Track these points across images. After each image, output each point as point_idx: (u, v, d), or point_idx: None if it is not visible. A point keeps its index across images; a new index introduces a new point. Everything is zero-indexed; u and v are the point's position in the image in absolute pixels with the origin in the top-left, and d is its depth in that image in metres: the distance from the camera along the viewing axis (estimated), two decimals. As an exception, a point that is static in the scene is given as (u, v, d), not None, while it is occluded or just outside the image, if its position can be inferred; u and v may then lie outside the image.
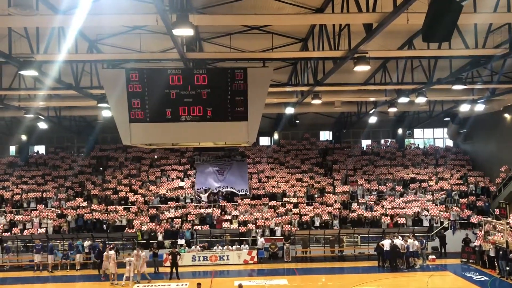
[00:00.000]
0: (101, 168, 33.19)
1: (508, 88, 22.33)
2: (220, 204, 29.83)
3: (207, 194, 30.33)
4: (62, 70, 17.73)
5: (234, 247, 26.35)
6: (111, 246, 23.65)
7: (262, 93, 12.49)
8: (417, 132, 36.57)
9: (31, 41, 13.91)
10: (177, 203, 29.80)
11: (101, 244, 24.52)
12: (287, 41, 17.54)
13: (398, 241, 24.09)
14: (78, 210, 28.85)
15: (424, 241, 25.70)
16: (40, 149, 35.82)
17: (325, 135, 37.40)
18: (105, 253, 22.47)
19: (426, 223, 28.51)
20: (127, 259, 21.79)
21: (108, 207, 29.24)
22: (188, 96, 11.89)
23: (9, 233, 27.29)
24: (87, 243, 25.53)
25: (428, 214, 28.76)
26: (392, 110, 26.01)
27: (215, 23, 13.39)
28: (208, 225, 28.30)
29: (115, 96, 12.13)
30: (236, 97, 12.16)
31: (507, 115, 29.05)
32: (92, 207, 29.08)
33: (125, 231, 27.55)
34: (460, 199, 29.99)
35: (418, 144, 36.46)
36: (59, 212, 28.77)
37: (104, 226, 28.34)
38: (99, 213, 28.67)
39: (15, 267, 25.96)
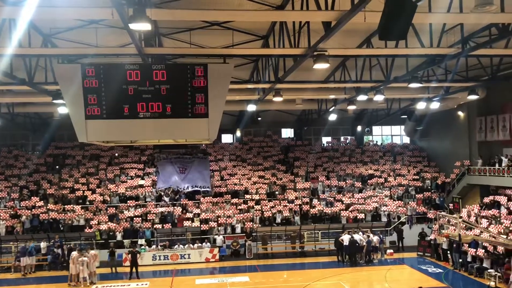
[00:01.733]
0: (57, 167, 32.15)
1: (462, 87, 23.16)
2: (182, 203, 29.52)
3: (169, 192, 29.93)
4: (14, 64, 17.04)
5: (196, 245, 26.17)
6: (70, 246, 23.01)
7: (223, 89, 12.40)
8: (376, 129, 37.43)
9: (-21, 34, 13.26)
10: (136, 202, 29.28)
11: (66, 246, 23.79)
12: (248, 38, 17.50)
13: (357, 236, 24.61)
14: (33, 210, 27.86)
15: (382, 236, 26.36)
16: (-8, 147, 34.32)
17: (287, 132, 37.68)
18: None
19: (384, 218, 29.24)
20: (80, 259, 21.20)
21: (65, 206, 28.39)
22: (147, 92, 11.65)
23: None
24: (44, 244, 24.71)
25: (386, 210, 29.49)
26: (351, 107, 26.49)
27: (174, 18, 13.17)
28: (169, 224, 27.96)
29: (71, 92, 11.75)
30: (196, 94, 12.02)
31: (460, 113, 30.15)
32: (48, 207, 28.15)
33: (85, 230, 26.81)
34: (417, 195, 30.92)
35: (377, 141, 37.30)
36: (12, 212, 27.68)
37: (61, 226, 27.50)
38: (56, 213, 27.79)
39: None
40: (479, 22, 14.74)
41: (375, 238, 25.14)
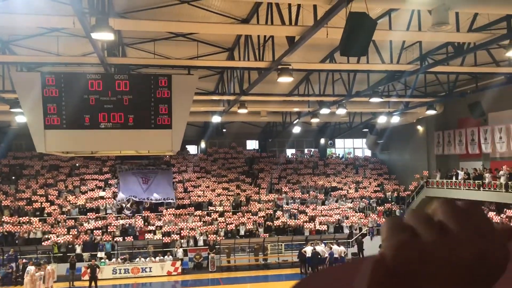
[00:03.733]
0: (13, 177, 31.01)
1: (420, 102, 23.96)
2: (143, 215, 28.99)
3: (129, 204, 29.35)
4: (-31, 71, 16.45)
5: (157, 258, 25.70)
6: (25, 261, 22.14)
7: (187, 101, 12.39)
8: (338, 142, 38.08)
9: None
10: (97, 214, 28.55)
11: (21, 261, 22.88)
12: (213, 50, 17.55)
13: (320, 248, 24.82)
14: (-14, 222, 26.71)
15: (343, 247, 26.69)
16: None
17: (252, 144, 37.79)
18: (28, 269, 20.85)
19: (346, 230, 29.64)
20: (37, 274, 20.42)
21: (21, 218, 27.36)
22: (109, 102, 11.52)
23: None
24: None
25: (349, 221, 29.92)
26: (315, 120, 26.93)
27: (138, 28, 13.09)
28: (131, 236, 27.38)
29: (29, 101, 11.48)
30: (160, 105, 11.96)
31: (419, 127, 31.12)
32: (3, 219, 27.05)
33: (44, 244, 25.89)
34: (378, 207, 31.55)
35: (339, 154, 37.91)
36: (-36, 225, 26.47)
37: (15, 239, 26.45)
38: (11, 225, 26.73)
39: None
40: (436, 40, 15.34)
41: (340, 249, 25.40)
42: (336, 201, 31.91)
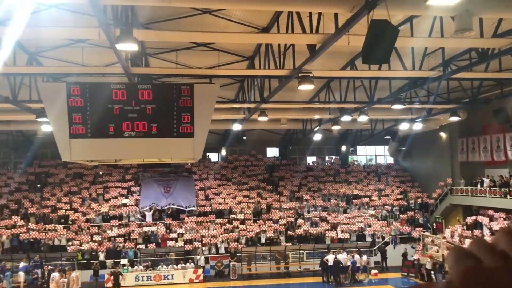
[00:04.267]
0: (39, 185, 31.67)
1: (443, 108, 23.63)
2: (165, 222, 29.22)
3: (151, 211, 29.62)
4: (-2, 82, 16.92)
5: (179, 265, 25.83)
6: (50, 267, 22.52)
7: (209, 109, 12.46)
8: (360, 149, 37.77)
9: (-37, 52, 13.16)
10: (120, 222, 28.90)
11: (47, 267, 23.26)
12: (234, 58, 17.69)
13: (341, 256, 24.57)
14: (13, 229, 27.29)
15: (367, 255, 26.38)
16: (-27, 165, 33.75)
17: (272, 152, 37.78)
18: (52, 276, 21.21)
19: (369, 238, 29.31)
20: (61, 280, 20.74)
21: (46, 226, 27.89)
22: (132, 111, 11.64)
23: None
24: (23, 264, 24.13)
25: (371, 229, 29.58)
26: (336, 128, 26.77)
27: (161, 39, 13.30)
28: (153, 244, 27.62)
29: (55, 111, 11.69)
30: (182, 113, 12.04)
31: (442, 134, 30.66)
32: (29, 226, 27.62)
33: (68, 250, 26.34)
34: (400, 215, 31.12)
35: (361, 161, 37.59)
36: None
37: (41, 246, 26.95)
38: (37, 233, 27.26)
39: None
40: (459, 46, 15.16)
41: (363, 258, 25.10)
42: (358, 209, 31.61)
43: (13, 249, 26.59)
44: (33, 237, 27.03)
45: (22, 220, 28.09)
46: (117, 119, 11.64)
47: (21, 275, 23.03)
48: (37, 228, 27.53)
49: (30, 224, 27.86)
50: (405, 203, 32.20)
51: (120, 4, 10.67)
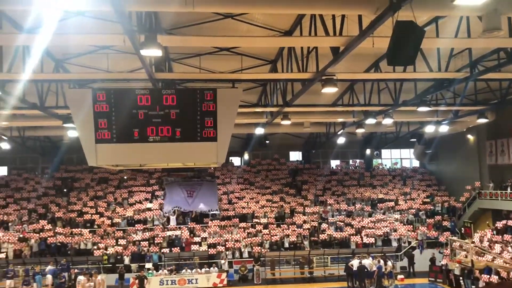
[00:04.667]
0: (65, 190, 32.26)
1: (470, 110, 23.10)
2: (189, 226, 29.36)
3: (175, 216, 29.82)
4: (26, 89, 17.28)
5: (203, 270, 25.90)
6: (77, 271, 22.86)
7: (232, 113, 12.46)
8: (385, 152, 37.25)
9: (-7, 60, 13.54)
10: (144, 226, 29.17)
11: (73, 271, 23.63)
12: (256, 62, 17.69)
13: (366, 261, 24.21)
14: (41, 233, 27.85)
15: (393, 261, 25.93)
16: (2, 170, 34.58)
17: (295, 156, 37.61)
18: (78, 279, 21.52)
19: (394, 243, 28.83)
20: (88, 284, 21.01)
21: (73, 230, 28.36)
22: (157, 116, 11.74)
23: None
24: (50, 268, 24.58)
25: (397, 234, 29.09)
26: (360, 131, 26.46)
27: (184, 44, 13.38)
28: (177, 248, 27.78)
29: (81, 116, 11.87)
30: (206, 118, 12.08)
31: (470, 136, 29.99)
32: (56, 230, 28.13)
33: (94, 254, 26.73)
34: (427, 219, 30.53)
35: (386, 165, 37.09)
36: (20, 235, 27.69)
37: (68, 250, 27.41)
38: (63, 237, 27.75)
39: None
40: (487, 46, 14.80)
41: (388, 263, 24.68)
42: (383, 213, 31.15)
43: (41, 253, 27.13)
44: (60, 241, 27.52)
45: (50, 224, 28.64)
46: (141, 124, 11.75)
47: (49, 278, 23.46)
48: (64, 232, 28.02)
49: (57, 228, 28.39)
50: (432, 207, 31.58)
51: (144, 10, 10.78)
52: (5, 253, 26.66)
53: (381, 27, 9.70)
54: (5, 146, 28.05)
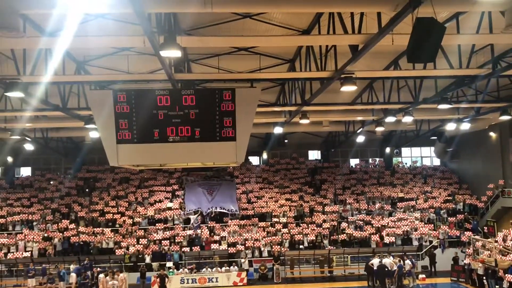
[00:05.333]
0: (87, 190, 32.78)
1: (493, 107, 22.69)
2: (209, 225, 29.54)
3: (196, 215, 30.02)
4: (49, 91, 17.64)
5: (223, 268, 26.04)
6: (99, 269, 23.21)
7: (250, 113, 12.48)
8: (405, 150, 36.84)
9: (17, 63, 13.84)
10: (165, 225, 29.45)
11: (96, 269, 24.01)
12: (274, 62, 17.70)
13: (387, 260, 23.99)
14: (64, 232, 28.37)
15: (414, 260, 25.64)
16: (26, 171, 35.35)
17: (314, 154, 37.48)
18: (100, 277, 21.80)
19: (415, 242, 28.51)
20: (110, 283, 21.31)
21: (95, 229, 28.81)
22: (176, 116, 11.84)
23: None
24: (74, 266, 25.03)
25: (417, 233, 28.77)
26: (379, 129, 26.22)
27: (203, 44, 13.47)
28: (198, 247, 27.99)
29: (102, 117, 12.04)
30: (224, 118, 12.13)
31: (492, 133, 29.45)
32: (79, 230, 28.62)
33: (116, 253, 27.11)
34: (449, 218, 30.11)
35: (406, 163, 36.68)
36: (45, 235, 28.25)
37: (90, 249, 27.86)
38: (86, 236, 28.22)
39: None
40: (511, 42, 14.51)
41: (407, 262, 24.44)
42: (404, 212, 30.82)
43: (64, 252, 27.64)
44: (83, 240, 27.98)
45: (73, 224, 29.15)
46: (161, 124, 11.87)
47: (73, 277, 23.90)
48: (87, 231, 28.49)
49: (80, 227, 28.87)
50: (454, 206, 31.12)
51: (164, 12, 10.90)
52: (30, 252, 27.24)
53: (400, 24, 9.62)
54: (29, 147, 28.66)
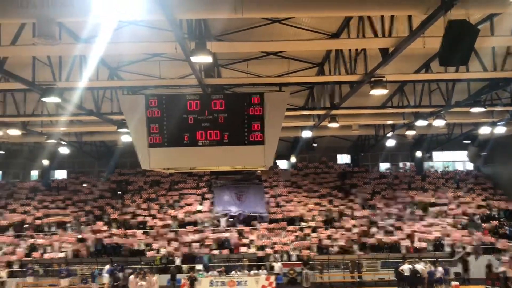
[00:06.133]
0: (120, 192, 33.46)
1: (529, 110, 22.02)
2: (238, 228, 29.67)
3: (225, 218, 30.24)
4: (83, 96, 18.13)
5: (252, 272, 26.08)
6: (130, 271, 23.60)
7: (279, 117, 12.55)
8: (436, 155, 36.11)
9: (53, 69, 14.32)
10: (195, 227, 29.74)
11: (126, 270, 24.46)
12: (303, 65, 17.70)
13: (419, 266, 23.53)
14: (97, 234, 29.02)
15: (447, 267, 25.06)
16: (62, 173, 36.37)
17: (343, 158, 37.17)
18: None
19: (447, 248, 27.87)
20: (139, 284, 21.61)
21: (127, 231, 29.36)
22: (206, 121, 12.03)
23: (29, 257, 27.55)
24: (108, 267, 25.52)
25: (450, 239, 28.12)
26: (410, 133, 25.78)
27: (232, 50, 13.61)
28: (228, 249, 28.15)
29: (135, 122, 12.34)
30: (253, 122, 12.23)
31: (528, 137, 28.54)
32: (111, 232, 29.23)
33: (147, 255, 27.55)
34: (483, 224, 29.31)
35: (438, 168, 35.95)
36: (78, 236, 28.99)
37: (122, 250, 28.39)
38: (118, 237, 28.79)
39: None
40: (547, 43, 14.10)
41: (439, 269, 23.90)
42: (436, 218, 30.18)
43: (97, 253, 28.27)
44: (116, 242, 28.55)
45: (106, 226, 29.81)
46: (191, 129, 12.08)
47: (106, 277, 24.40)
48: (119, 233, 29.07)
49: (112, 229, 29.49)
50: (488, 212, 30.29)
51: (195, 18, 11.08)
52: (64, 253, 27.99)
53: (432, 27, 9.50)
54: (64, 150, 29.50)
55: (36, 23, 8.90)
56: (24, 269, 26.50)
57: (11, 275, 26.22)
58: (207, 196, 32.45)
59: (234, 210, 30.63)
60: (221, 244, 28.65)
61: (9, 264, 26.81)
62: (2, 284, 25.18)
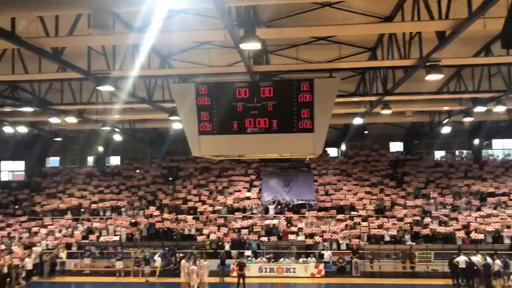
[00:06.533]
0: (171, 178, 34.28)
1: None
2: (286, 216, 29.67)
3: (274, 205, 30.32)
4: (136, 85, 18.57)
5: (301, 259, 26.06)
6: (181, 255, 24.17)
7: (329, 104, 12.31)
8: (496, 142, 34.39)
9: (108, 58, 14.72)
10: (243, 214, 30.04)
11: (179, 255, 25.07)
12: (354, 50, 17.22)
13: (476, 259, 22.60)
14: (150, 219, 29.94)
15: (507, 260, 23.92)
16: (116, 159, 37.73)
17: (395, 146, 36.18)
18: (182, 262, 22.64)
19: (507, 240, 26.60)
20: (191, 268, 22.02)
21: (178, 216, 30.09)
22: (254, 108, 11.99)
23: (87, 240, 28.91)
24: (160, 251, 26.29)
25: (510, 231, 26.81)
26: (468, 119, 24.61)
27: (282, 36, 13.43)
28: (276, 236, 28.25)
29: (185, 109, 12.49)
30: (302, 109, 12.06)
31: None
32: (163, 216, 30.06)
33: (197, 240, 28.17)
34: (546, 215, 27.74)
35: (498, 156, 34.24)
36: (132, 220, 30.03)
37: (173, 235, 29.17)
38: (170, 222, 29.57)
39: (93, 272, 27.25)
40: None
41: (497, 262, 22.84)
42: (495, 208, 28.84)
43: (150, 237, 29.19)
44: (167, 226, 29.36)
45: (158, 211, 30.69)
46: (240, 116, 12.08)
47: (158, 261, 25.17)
48: (170, 218, 29.85)
49: (164, 214, 30.32)
50: (552, 203, 28.61)
51: (243, 5, 10.99)
52: (119, 236, 29.12)
53: (494, 7, 8.91)
54: (118, 137, 30.51)
55: (91, 14, 9.12)
56: (82, 251, 27.84)
57: (70, 256, 27.62)
58: (255, 183, 32.62)
59: (282, 197, 30.64)
60: (269, 231, 28.78)
61: (67, 246, 28.22)
62: (62, 265, 26.59)
